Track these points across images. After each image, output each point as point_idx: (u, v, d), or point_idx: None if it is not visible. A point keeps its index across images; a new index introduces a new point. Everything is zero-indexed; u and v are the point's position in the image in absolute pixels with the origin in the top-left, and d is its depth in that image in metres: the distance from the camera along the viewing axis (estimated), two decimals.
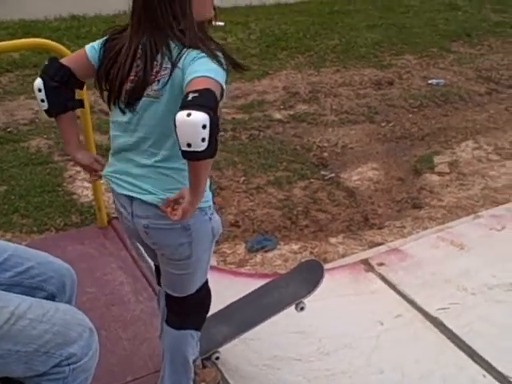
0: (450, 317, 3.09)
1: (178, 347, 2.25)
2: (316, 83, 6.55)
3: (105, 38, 1.97)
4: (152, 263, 2.36)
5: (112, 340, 2.71)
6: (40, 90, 2.01)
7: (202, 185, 1.70)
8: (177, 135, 1.57)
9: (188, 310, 2.19)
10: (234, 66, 1.87)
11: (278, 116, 5.76)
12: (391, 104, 6.07)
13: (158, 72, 1.79)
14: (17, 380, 1.85)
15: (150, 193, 1.89)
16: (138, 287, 3.05)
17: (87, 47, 2.00)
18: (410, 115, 5.85)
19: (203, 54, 1.74)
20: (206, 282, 2.21)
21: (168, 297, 2.21)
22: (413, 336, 3.00)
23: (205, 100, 1.57)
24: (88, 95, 3.15)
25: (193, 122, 1.53)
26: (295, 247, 3.85)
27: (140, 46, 1.84)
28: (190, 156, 1.58)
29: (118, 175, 2.00)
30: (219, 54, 1.78)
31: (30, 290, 1.76)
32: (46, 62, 2.04)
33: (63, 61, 2.03)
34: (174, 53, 1.79)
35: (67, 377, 1.67)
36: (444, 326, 3.03)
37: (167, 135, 1.83)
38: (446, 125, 5.66)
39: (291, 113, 5.83)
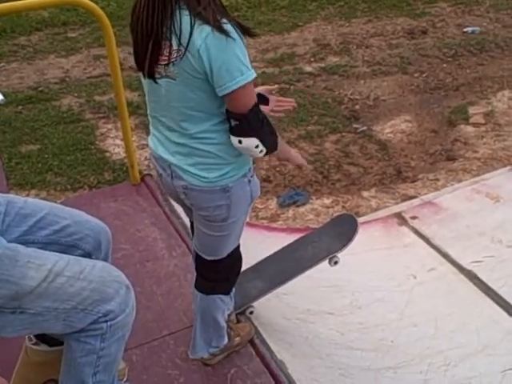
0: (484, 270, 3.07)
1: (208, 310, 2.27)
2: (347, 34, 6.41)
3: None
4: (189, 221, 2.36)
5: (147, 296, 2.75)
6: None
7: (285, 155, 2.10)
8: None
9: (217, 274, 2.19)
10: (246, 34, 1.76)
11: (308, 69, 5.67)
12: (425, 54, 5.92)
13: (170, 53, 1.71)
14: (52, 336, 1.90)
15: None
16: (172, 243, 3.08)
17: None
18: (444, 65, 5.70)
19: (215, 34, 1.64)
20: (238, 247, 2.21)
21: (198, 260, 2.21)
22: (446, 289, 2.98)
23: (248, 126, 1.78)
24: (118, 52, 3.13)
25: (246, 147, 1.81)
26: (327, 201, 3.84)
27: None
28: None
29: (157, 138, 2.00)
30: (230, 27, 1.66)
31: (67, 248, 1.78)
32: None
33: None
34: (184, 30, 1.67)
35: (105, 333, 1.70)
36: (478, 279, 3.01)
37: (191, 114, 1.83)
38: (481, 74, 5.50)
39: (322, 65, 5.73)
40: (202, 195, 1.94)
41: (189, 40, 1.66)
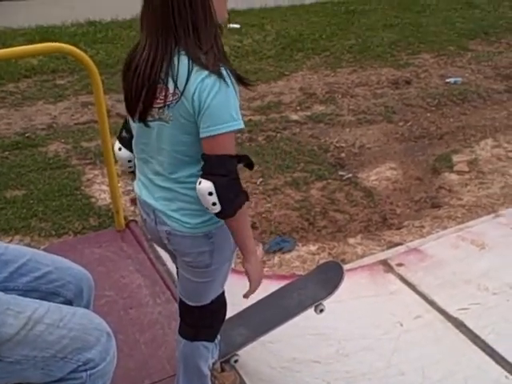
0: (471, 317, 3.05)
1: (191, 357, 2.23)
2: (333, 84, 6.52)
3: None
4: (175, 267, 2.35)
5: (130, 344, 2.71)
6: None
7: (244, 242, 1.88)
8: None
9: (201, 321, 2.16)
10: (240, 83, 1.80)
11: (294, 117, 5.74)
12: (409, 103, 6.02)
13: (166, 96, 1.72)
14: None
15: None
16: (156, 290, 3.05)
17: None
18: (428, 114, 5.80)
19: (211, 78, 1.66)
20: (223, 294, 2.18)
21: (182, 305, 2.19)
22: (433, 337, 2.96)
23: (210, 168, 1.74)
24: (105, 99, 3.16)
25: (200, 192, 1.75)
26: (313, 248, 3.83)
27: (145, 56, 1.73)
28: (217, 215, 1.79)
29: (142, 182, 2.00)
30: (225, 73, 1.68)
31: (47, 296, 1.76)
32: None
33: None
34: (182, 74, 1.68)
35: (85, 382, 1.66)
36: (465, 326, 3.00)
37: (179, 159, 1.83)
38: (464, 123, 5.59)
39: (308, 114, 5.81)
40: (184, 241, 1.93)
41: (185, 85, 1.67)
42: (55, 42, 3.38)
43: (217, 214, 1.78)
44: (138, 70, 1.74)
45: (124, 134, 2.05)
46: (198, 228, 1.89)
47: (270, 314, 2.67)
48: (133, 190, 4.16)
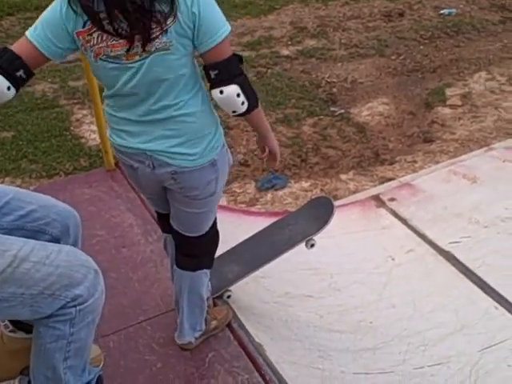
0: (461, 250, 3.08)
1: (195, 288, 2.27)
2: (324, 17, 6.37)
3: None
4: (154, 212, 2.36)
5: (123, 282, 2.72)
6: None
7: (267, 128, 2.01)
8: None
9: (202, 249, 2.22)
10: None
11: (285, 52, 5.64)
12: (402, 36, 5.91)
13: (165, 21, 1.68)
14: (27, 322, 1.86)
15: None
16: (148, 229, 3.04)
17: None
18: (421, 47, 5.70)
19: None
20: (216, 219, 2.23)
21: (181, 240, 2.20)
22: (424, 271, 2.99)
23: (227, 73, 1.79)
24: None
25: (227, 97, 1.79)
26: (305, 185, 3.82)
27: None
28: (241, 116, 1.88)
29: (126, 131, 1.97)
30: None
31: (33, 234, 1.74)
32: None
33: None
34: None
35: (74, 318, 1.66)
36: (456, 259, 3.02)
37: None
38: (458, 56, 5.50)
39: (299, 48, 5.70)
40: (192, 175, 1.93)
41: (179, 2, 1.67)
42: None
43: (244, 113, 1.86)
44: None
45: (22, 74, 1.81)
46: (204, 157, 1.91)
47: (261, 250, 2.68)
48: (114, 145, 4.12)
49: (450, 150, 4.13)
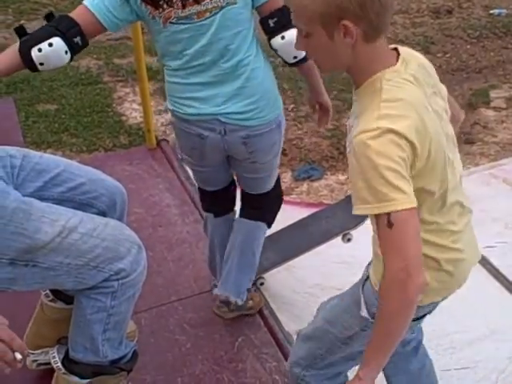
0: (496, 255, 3.04)
1: (251, 241, 2.36)
2: None
3: None
4: (193, 193, 2.45)
5: (158, 261, 2.76)
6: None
7: (320, 80, 2.09)
8: (281, 56, 1.95)
9: (268, 202, 2.35)
10: None
11: None
12: (449, 34, 5.81)
13: None
14: (66, 293, 1.91)
15: None
16: (185, 210, 3.07)
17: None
18: (468, 46, 5.61)
19: None
20: (279, 177, 2.38)
21: (247, 197, 2.32)
22: None
23: (285, 19, 1.86)
24: None
25: (290, 41, 1.81)
26: (342, 178, 3.81)
27: None
28: (300, 63, 1.96)
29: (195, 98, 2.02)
30: None
31: (81, 206, 1.77)
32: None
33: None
34: None
35: (116, 291, 1.70)
36: (490, 264, 2.99)
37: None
38: (505, 58, 5.40)
39: None
40: (262, 138, 2.02)
41: None
42: None
43: (303, 58, 1.93)
44: None
45: (79, 41, 1.87)
46: (271, 114, 2.00)
47: (297, 240, 2.69)
48: (165, 111, 4.14)
49: (491, 152, 4.07)
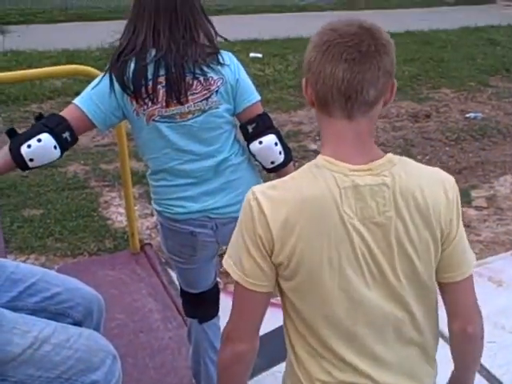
0: (486, 356, 2.95)
1: (217, 338, 2.29)
2: None
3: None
4: (175, 298, 2.47)
5: (139, 368, 2.68)
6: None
7: None
8: (259, 161, 2.01)
9: (216, 297, 2.35)
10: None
11: (313, 147, 5.74)
12: (428, 137, 6.01)
13: (213, 83, 1.89)
14: None
15: None
16: (168, 315, 3.03)
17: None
18: (447, 148, 5.77)
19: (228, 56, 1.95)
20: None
21: (203, 297, 2.28)
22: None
23: (264, 125, 1.96)
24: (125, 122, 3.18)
25: (267, 146, 1.95)
26: None
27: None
28: (278, 168, 2.01)
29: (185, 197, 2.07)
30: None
31: (56, 316, 1.74)
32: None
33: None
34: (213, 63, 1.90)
35: None
36: (481, 365, 2.92)
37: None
38: (483, 159, 5.56)
39: None
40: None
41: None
42: (80, 64, 3.41)
43: (280, 164, 2.00)
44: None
45: (68, 136, 1.93)
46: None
47: (283, 345, 2.62)
48: (150, 215, 4.17)
49: (476, 251, 4.05)
